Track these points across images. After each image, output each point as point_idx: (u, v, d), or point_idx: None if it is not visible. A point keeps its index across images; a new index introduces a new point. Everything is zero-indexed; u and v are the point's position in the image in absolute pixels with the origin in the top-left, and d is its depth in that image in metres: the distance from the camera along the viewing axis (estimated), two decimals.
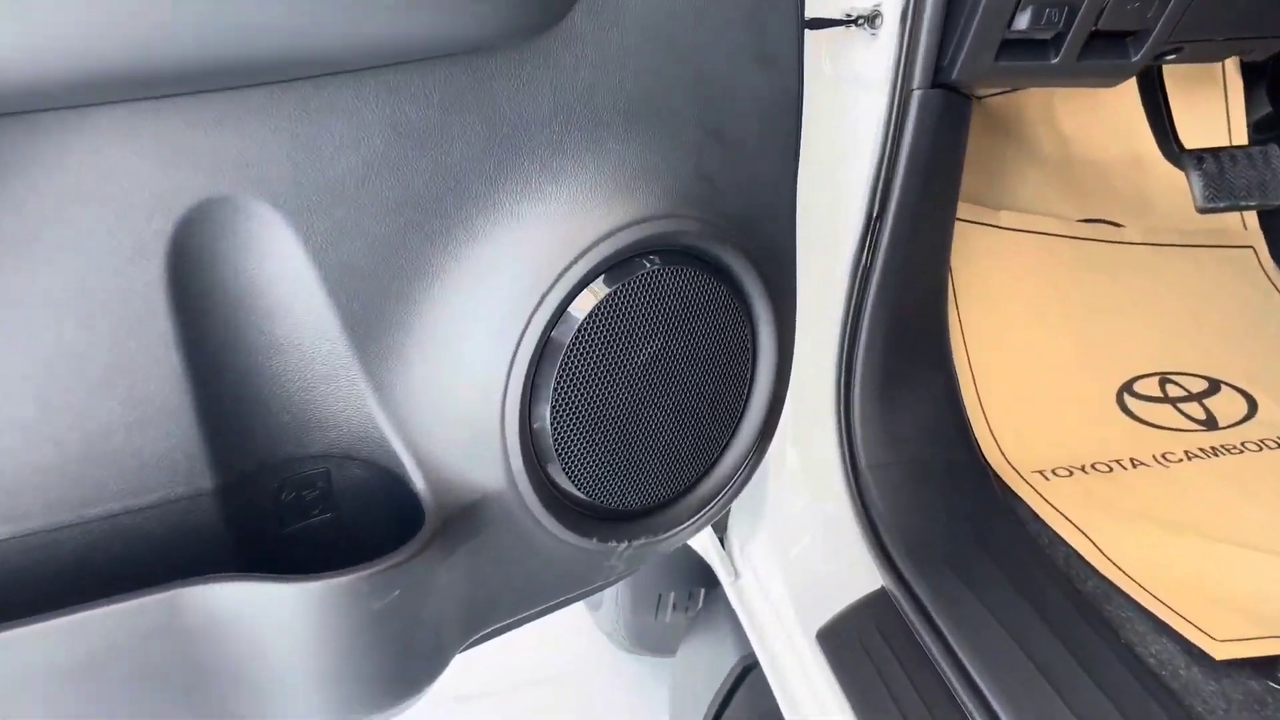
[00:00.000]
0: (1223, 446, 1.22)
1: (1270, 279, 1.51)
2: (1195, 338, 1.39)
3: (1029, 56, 0.98)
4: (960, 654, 0.93)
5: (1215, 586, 0.97)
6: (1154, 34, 0.98)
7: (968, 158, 1.06)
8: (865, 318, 1.06)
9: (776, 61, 0.85)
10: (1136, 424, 1.26)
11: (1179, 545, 1.03)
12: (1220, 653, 0.90)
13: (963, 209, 1.32)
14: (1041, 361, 1.30)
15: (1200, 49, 1.07)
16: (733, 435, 0.94)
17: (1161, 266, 1.48)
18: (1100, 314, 1.38)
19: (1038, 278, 1.37)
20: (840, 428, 1.09)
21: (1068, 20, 0.94)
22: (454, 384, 0.77)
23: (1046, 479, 1.15)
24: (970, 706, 0.90)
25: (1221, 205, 1.29)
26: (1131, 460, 1.19)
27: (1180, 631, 0.92)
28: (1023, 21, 0.94)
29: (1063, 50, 0.97)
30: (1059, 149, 1.53)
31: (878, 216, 1.03)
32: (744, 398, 0.93)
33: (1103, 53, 0.99)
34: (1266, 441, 1.22)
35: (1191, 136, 1.42)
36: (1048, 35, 0.96)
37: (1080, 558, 1.01)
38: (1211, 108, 1.50)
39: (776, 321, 0.92)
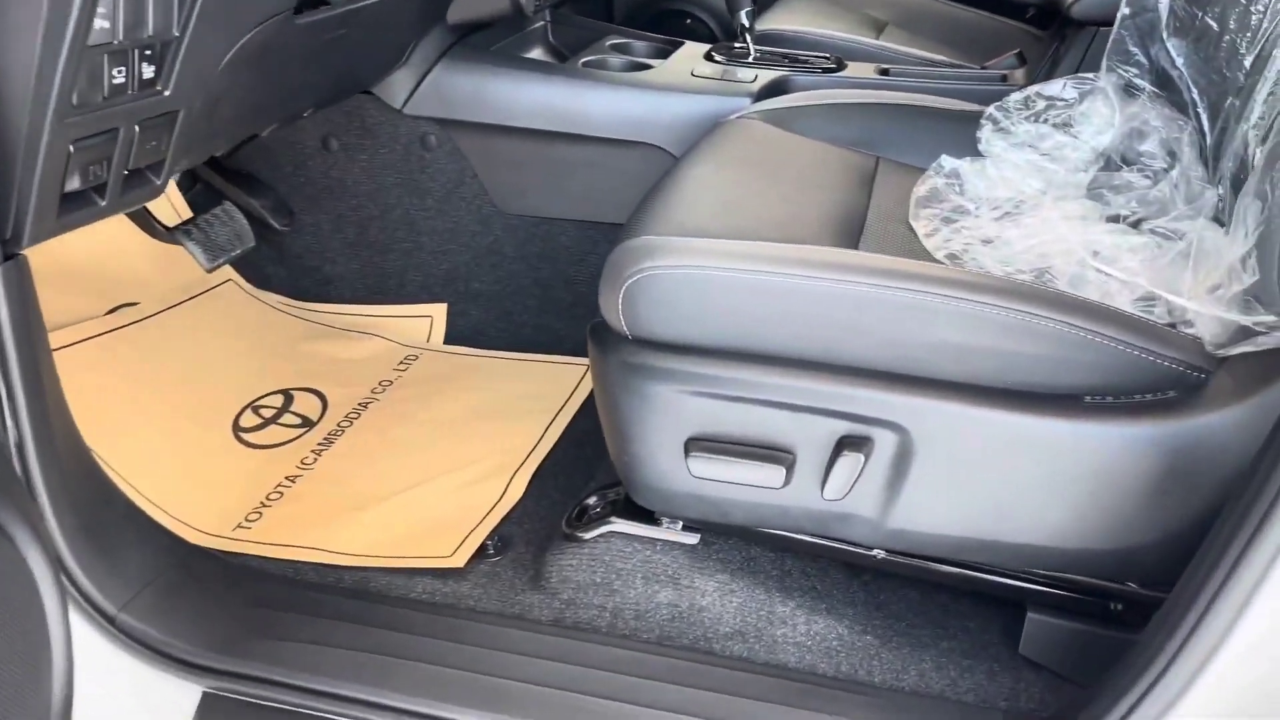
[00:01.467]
0: (332, 433, 1.55)
1: (254, 296, 1.85)
2: (252, 363, 1.67)
3: (83, 205, 1.08)
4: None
5: (415, 528, 1.32)
6: (168, 162, 1.17)
7: None
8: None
9: None
10: (263, 450, 1.51)
11: (373, 513, 1.35)
12: (460, 560, 1.25)
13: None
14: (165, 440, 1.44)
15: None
16: None
17: (182, 324, 1.69)
18: (188, 376, 1.56)
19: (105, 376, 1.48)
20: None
21: (107, 170, 1.07)
22: None
23: (249, 528, 1.33)
24: None
25: (223, 260, 1.56)
26: (288, 479, 1.44)
27: (426, 566, 1.25)
28: (74, 182, 1.03)
29: (108, 194, 1.10)
30: (75, 250, 1.58)
31: None
32: None
33: (138, 184, 1.15)
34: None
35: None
36: (97, 184, 1.07)
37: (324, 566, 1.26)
38: None
39: None
